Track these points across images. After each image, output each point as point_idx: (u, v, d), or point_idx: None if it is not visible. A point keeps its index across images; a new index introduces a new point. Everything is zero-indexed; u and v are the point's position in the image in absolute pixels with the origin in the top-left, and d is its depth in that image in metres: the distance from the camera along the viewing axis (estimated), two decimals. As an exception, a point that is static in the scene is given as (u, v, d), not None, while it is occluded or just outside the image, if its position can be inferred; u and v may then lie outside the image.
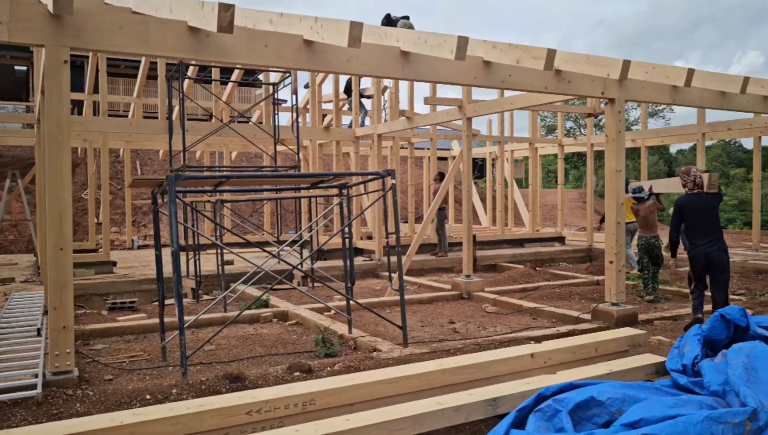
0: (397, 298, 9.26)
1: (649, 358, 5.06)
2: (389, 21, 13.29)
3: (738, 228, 40.98)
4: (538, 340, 6.79)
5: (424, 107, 11.86)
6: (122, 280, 10.24)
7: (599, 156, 39.06)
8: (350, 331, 6.98)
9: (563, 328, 7.16)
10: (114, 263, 11.22)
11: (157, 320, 7.86)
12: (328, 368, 5.42)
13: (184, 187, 5.50)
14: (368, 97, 15.47)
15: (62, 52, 4.66)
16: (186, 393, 4.77)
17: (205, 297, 10.33)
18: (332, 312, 8.65)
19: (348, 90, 14.28)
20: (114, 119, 11.50)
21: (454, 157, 19.59)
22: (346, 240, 6.89)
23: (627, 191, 9.63)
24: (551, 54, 5.67)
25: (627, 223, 10.79)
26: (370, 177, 6.11)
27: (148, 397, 4.68)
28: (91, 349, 6.81)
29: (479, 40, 6.29)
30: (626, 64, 6.15)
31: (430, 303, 9.42)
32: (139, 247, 16.35)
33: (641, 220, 9.74)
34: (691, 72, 6.58)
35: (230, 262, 12.31)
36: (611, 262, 7.45)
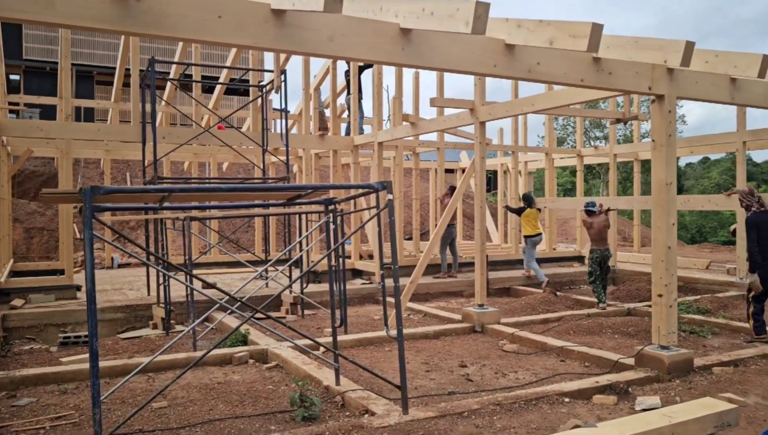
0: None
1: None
2: None
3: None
4: (574, 395, 5.41)
5: (430, 111, 10.63)
6: (83, 308, 8.90)
7: (621, 168, 37.67)
8: (338, 382, 5.61)
9: (603, 379, 5.76)
10: (78, 287, 9.89)
11: (113, 362, 6.52)
12: (301, 447, 4.05)
13: (113, 203, 4.22)
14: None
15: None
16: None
17: (178, 327, 8.98)
18: (321, 350, 7.29)
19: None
20: (79, 124, 10.23)
21: (462, 170, 18.26)
22: (339, 263, 5.53)
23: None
24: (597, 29, 4.34)
25: (533, 236, 12.40)
26: (360, 191, 4.76)
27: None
28: (12, 405, 5.45)
29: (500, 19, 4.97)
30: (690, 46, 4.79)
31: (437, 338, 8.03)
32: (120, 266, 15.04)
33: (595, 233, 10.00)
34: (766, 59, 5.23)
35: (212, 286, 10.95)
36: (660, 296, 6.06)
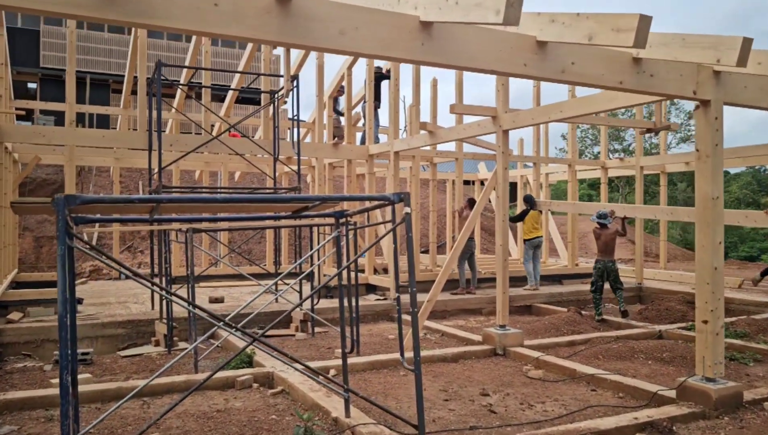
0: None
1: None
2: None
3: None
4: (611, 434, 4.83)
5: (448, 122, 10.14)
6: (82, 323, 8.47)
7: (650, 180, 36.92)
8: (347, 413, 5.07)
9: (642, 414, 5.18)
10: (80, 300, 9.47)
11: (106, 385, 6.05)
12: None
13: (92, 214, 3.76)
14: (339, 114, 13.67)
15: None
16: None
17: (182, 345, 8.51)
18: (332, 373, 6.77)
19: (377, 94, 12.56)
20: (83, 130, 9.85)
21: (481, 181, 17.72)
22: (351, 278, 5.03)
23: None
24: (645, 22, 3.81)
25: (532, 239, 12.41)
26: (375, 203, 4.27)
27: None
28: (-9, 434, 4.99)
29: (531, 13, 4.47)
30: (747, 43, 4.24)
31: (455, 362, 7.48)
32: (127, 278, 14.63)
33: (602, 245, 10.20)
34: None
35: (220, 300, 10.52)
36: (705, 322, 5.46)
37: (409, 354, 7.09)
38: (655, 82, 5.08)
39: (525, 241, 12.62)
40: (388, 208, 9.12)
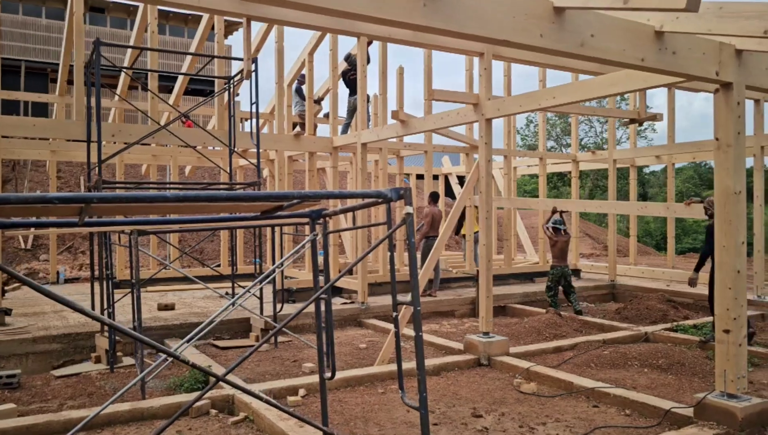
0: (392, 367, 6.62)
1: None
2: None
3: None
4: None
5: (415, 111, 9.37)
6: (8, 339, 7.38)
7: (592, 175, 36.91)
8: (326, 449, 4.26)
9: (662, 439, 4.56)
10: (7, 312, 8.35)
11: (32, 420, 5.06)
12: None
13: (22, 218, 2.87)
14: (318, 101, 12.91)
15: None
16: None
17: (126, 360, 7.52)
18: (301, 393, 5.95)
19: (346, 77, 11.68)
20: (9, 118, 8.66)
21: (446, 176, 17.08)
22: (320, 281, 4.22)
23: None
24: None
25: (477, 232, 12.10)
26: (365, 201, 3.48)
27: None
28: None
29: (547, -27, 3.74)
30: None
31: (437, 375, 6.75)
32: (67, 281, 13.39)
33: (558, 251, 10.39)
34: None
35: (170, 307, 9.53)
36: (727, 332, 4.88)
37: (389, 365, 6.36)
38: (678, 60, 4.45)
39: (468, 235, 12.81)
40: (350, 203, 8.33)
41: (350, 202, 10.11)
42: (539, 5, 3.75)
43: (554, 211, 10.77)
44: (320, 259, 12.22)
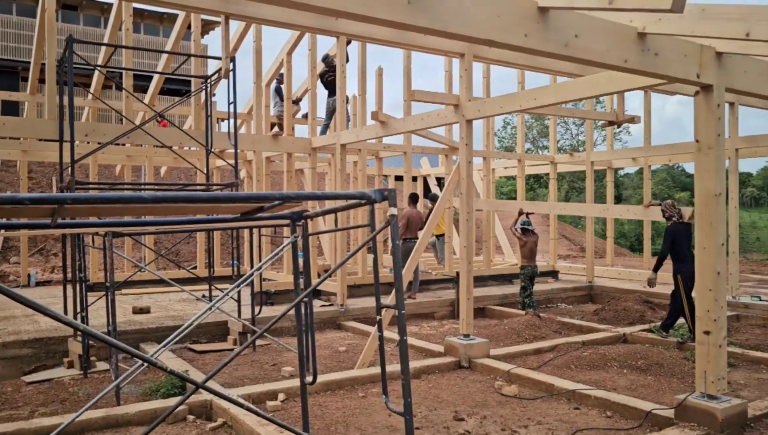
0: (372, 371, 6.55)
1: None
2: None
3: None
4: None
5: (393, 112, 9.28)
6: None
7: (568, 177, 37.20)
8: (308, 456, 4.18)
9: (645, 441, 4.56)
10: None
11: (2, 427, 4.88)
12: None
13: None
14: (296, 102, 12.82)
15: None
16: None
17: (100, 365, 7.33)
18: (281, 397, 5.85)
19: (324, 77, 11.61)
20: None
21: (424, 178, 17.06)
22: (300, 284, 4.14)
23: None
24: (687, -22, 3.11)
25: (439, 236, 13.06)
26: (348, 202, 3.41)
27: None
28: None
29: (532, -27, 3.71)
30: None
31: (418, 378, 6.69)
32: (38, 284, 13.07)
33: (528, 251, 10.56)
34: None
35: (145, 310, 9.34)
36: (707, 333, 4.90)
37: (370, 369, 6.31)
38: (659, 62, 4.45)
39: (437, 236, 13.13)
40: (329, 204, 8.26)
41: (329, 204, 10.03)
42: (523, 5, 3.72)
43: (521, 213, 10.97)
44: (300, 261, 12.10)
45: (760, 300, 10.47)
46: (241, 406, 3.09)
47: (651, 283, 8.62)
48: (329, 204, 10.19)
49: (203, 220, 4.25)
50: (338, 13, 3.16)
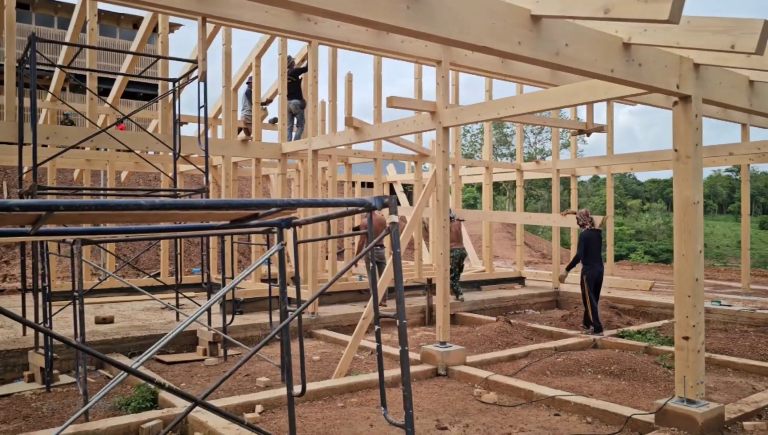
0: (350, 380, 6.47)
1: None
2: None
3: (639, 258, 40.67)
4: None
5: (364, 117, 9.25)
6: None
7: (525, 184, 37.81)
8: (295, 470, 4.07)
9: (629, 447, 4.60)
10: (-73, 327, 7.67)
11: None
12: None
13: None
14: (266, 103, 12.69)
15: None
16: None
17: (63, 378, 7.03)
18: (258, 409, 5.71)
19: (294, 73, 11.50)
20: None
21: (390, 184, 17.06)
22: (293, 312, 4.05)
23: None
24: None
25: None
26: (343, 209, 3.34)
27: None
28: None
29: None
30: (768, 26, 3.74)
31: (396, 386, 6.62)
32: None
33: (454, 235, 11.14)
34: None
35: (108, 320, 9.03)
36: (686, 339, 4.99)
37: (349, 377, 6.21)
38: (643, 72, 4.53)
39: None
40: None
41: (320, 211, 9.92)
42: (518, 13, 3.72)
43: None
44: (263, 267, 11.86)
45: (720, 304, 10.79)
46: (243, 424, 2.98)
47: (561, 279, 9.95)
48: (320, 211, 10.07)
49: (186, 228, 4.11)
50: (340, 16, 3.09)
